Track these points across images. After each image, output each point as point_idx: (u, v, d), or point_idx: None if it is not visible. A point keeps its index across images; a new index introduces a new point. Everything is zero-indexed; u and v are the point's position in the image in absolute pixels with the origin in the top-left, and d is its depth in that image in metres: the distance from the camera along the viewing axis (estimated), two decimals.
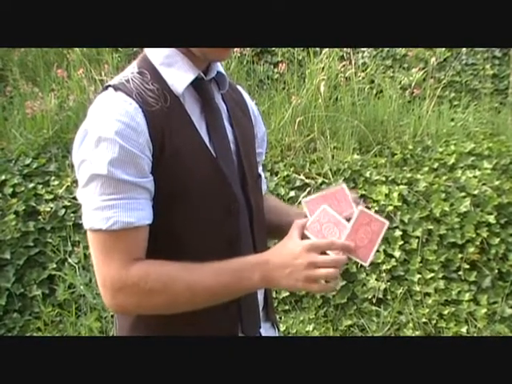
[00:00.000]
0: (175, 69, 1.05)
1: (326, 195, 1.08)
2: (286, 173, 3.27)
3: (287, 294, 2.91)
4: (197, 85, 1.08)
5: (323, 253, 0.98)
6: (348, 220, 1.03)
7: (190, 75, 1.05)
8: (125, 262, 0.96)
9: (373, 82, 4.25)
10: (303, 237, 1.01)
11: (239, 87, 1.30)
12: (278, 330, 1.33)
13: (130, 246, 0.97)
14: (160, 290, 0.96)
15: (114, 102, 0.98)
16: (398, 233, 3.00)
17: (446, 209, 3.05)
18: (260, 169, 1.34)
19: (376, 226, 1.02)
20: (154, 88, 1.02)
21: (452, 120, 4.10)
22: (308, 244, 0.97)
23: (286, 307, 2.90)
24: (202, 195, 1.04)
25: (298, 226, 1.02)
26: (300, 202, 0.96)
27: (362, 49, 4.67)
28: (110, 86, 1.02)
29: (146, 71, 1.04)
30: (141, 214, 0.97)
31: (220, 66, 1.14)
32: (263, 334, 1.23)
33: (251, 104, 1.29)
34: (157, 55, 1.06)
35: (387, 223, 1.02)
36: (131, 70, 1.05)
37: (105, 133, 0.94)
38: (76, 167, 1.00)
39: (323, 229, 1.02)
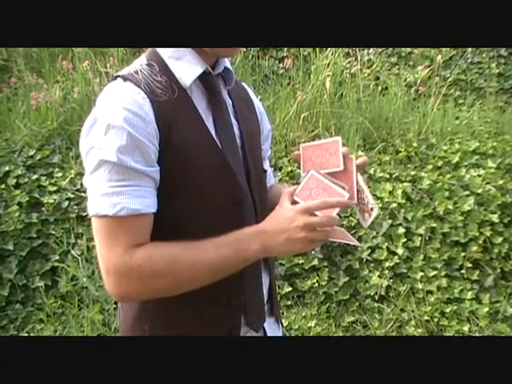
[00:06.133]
0: (183, 62, 1.05)
1: (320, 145, 1.10)
2: (290, 168, 3.27)
3: (290, 289, 2.91)
4: (204, 79, 1.08)
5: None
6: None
7: (197, 69, 1.06)
8: (128, 248, 0.96)
9: (378, 78, 4.24)
10: (294, 203, 1.02)
11: (245, 84, 1.31)
12: (282, 325, 1.33)
13: (135, 232, 0.97)
14: (163, 270, 0.96)
15: (123, 92, 0.98)
16: (401, 230, 3.00)
17: (450, 207, 3.05)
18: (267, 164, 1.34)
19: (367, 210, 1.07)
20: (162, 80, 1.02)
21: (457, 118, 4.09)
22: (300, 207, 0.98)
23: (289, 302, 2.90)
24: (208, 186, 1.04)
25: (287, 193, 1.04)
26: None
27: None
28: (118, 76, 1.02)
29: (155, 63, 1.05)
30: (147, 201, 0.97)
31: (227, 62, 1.15)
32: (266, 329, 1.23)
33: (257, 101, 1.30)
34: (165, 48, 1.06)
35: (377, 211, 1.06)
36: (140, 62, 1.06)
37: (114, 120, 0.94)
38: (84, 154, 1.00)
39: (313, 193, 1.03)
